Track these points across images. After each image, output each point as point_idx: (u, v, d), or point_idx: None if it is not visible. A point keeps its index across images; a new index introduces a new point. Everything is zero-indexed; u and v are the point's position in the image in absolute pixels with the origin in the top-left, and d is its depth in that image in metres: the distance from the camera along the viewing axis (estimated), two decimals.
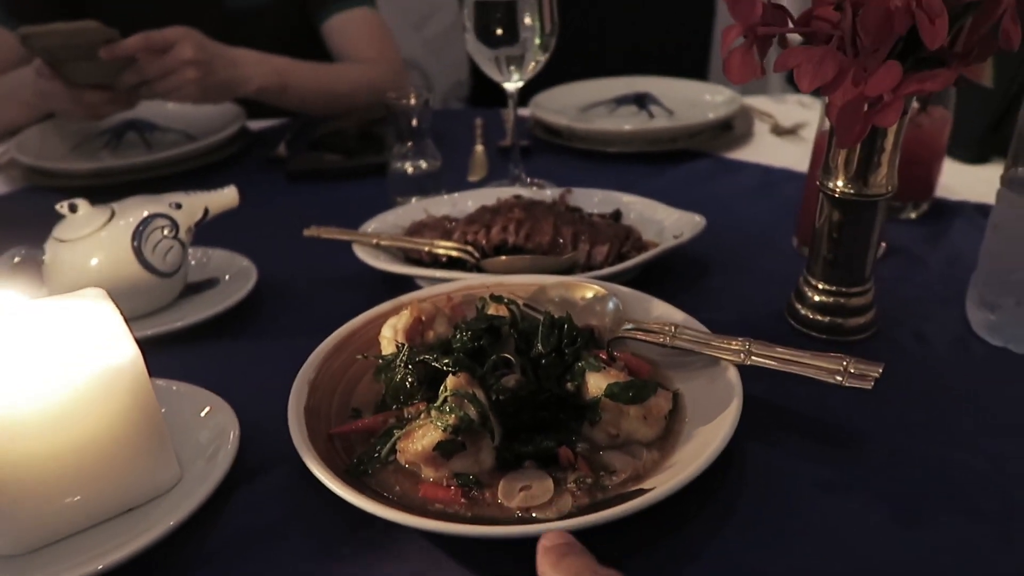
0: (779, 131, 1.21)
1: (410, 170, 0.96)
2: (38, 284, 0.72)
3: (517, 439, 0.49)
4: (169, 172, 1.12)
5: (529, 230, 0.76)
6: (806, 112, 1.29)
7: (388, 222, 0.84)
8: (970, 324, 0.66)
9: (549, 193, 0.88)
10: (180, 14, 1.16)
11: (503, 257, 0.74)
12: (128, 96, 1.13)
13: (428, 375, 0.53)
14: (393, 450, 0.49)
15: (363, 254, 0.76)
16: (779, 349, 0.53)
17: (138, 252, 0.69)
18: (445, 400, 0.48)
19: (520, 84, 0.93)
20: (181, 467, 0.51)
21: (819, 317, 0.65)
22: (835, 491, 0.50)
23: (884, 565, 0.45)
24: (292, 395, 0.53)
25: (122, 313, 0.48)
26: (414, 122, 0.95)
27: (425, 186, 0.97)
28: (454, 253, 0.75)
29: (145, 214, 0.70)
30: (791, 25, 0.55)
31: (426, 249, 0.76)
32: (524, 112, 1.26)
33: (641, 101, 1.29)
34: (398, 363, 0.54)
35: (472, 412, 0.47)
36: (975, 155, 1.02)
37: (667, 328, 0.57)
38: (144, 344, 0.48)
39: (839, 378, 0.50)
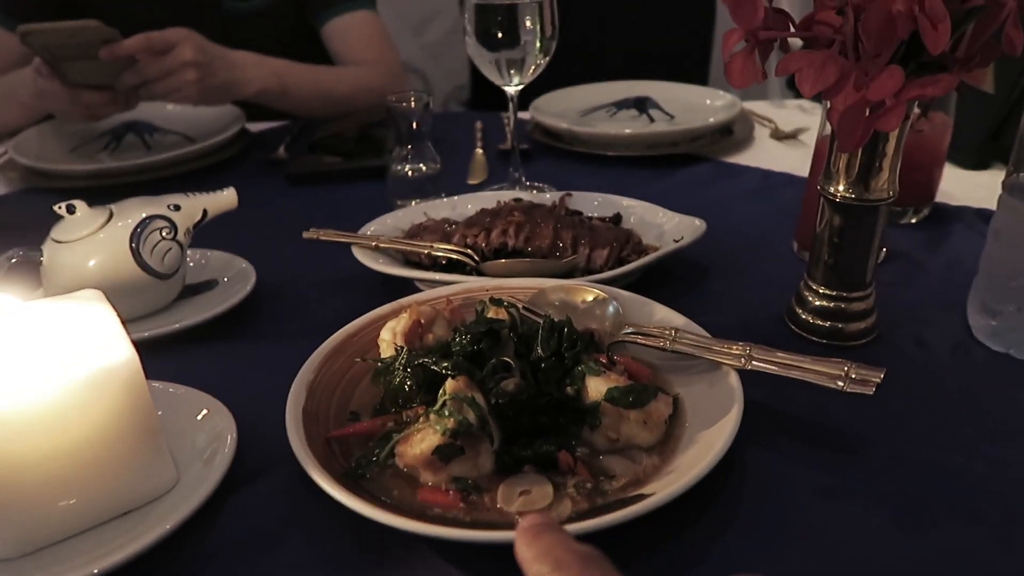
0: (779, 135, 1.21)
1: (410, 173, 0.96)
2: (35, 285, 0.71)
3: (516, 443, 0.49)
4: (168, 174, 1.11)
5: (529, 233, 0.76)
6: (806, 117, 1.29)
7: (387, 225, 0.84)
8: (971, 329, 0.66)
9: (549, 196, 0.87)
10: (179, 16, 1.16)
11: (503, 260, 0.74)
12: (127, 97, 1.13)
13: (427, 378, 0.53)
14: (392, 454, 0.49)
15: (362, 256, 0.76)
16: (780, 354, 0.53)
17: (136, 254, 0.69)
18: (444, 404, 0.47)
19: (520, 87, 0.93)
20: (178, 470, 0.50)
21: (819, 322, 0.65)
22: (836, 496, 0.49)
23: (885, 570, 0.44)
24: (290, 398, 0.53)
25: (119, 314, 0.48)
26: (414, 125, 0.95)
27: (425, 189, 0.97)
28: (454, 256, 0.75)
29: (143, 216, 0.70)
30: (792, 29, 0.55)
31: (425, 252, 0.76)
32: (524, 115, 1.26)
33: (641, 105, 1.29)
34: (397, 366, 0.54)
35: (471, 416, 0.47)
36: (976, 161, 1.02)
37: (667, 332, 0.57)
38: (141, 346, 0.47)
39: (840, 383, 0.50)
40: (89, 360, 0.44)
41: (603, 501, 0.46)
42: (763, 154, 1.15)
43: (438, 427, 0.46)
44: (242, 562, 0.46)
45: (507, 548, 0.44)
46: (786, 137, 1.20)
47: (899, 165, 0.59)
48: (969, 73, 0.52)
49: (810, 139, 1.19)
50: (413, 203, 0.95)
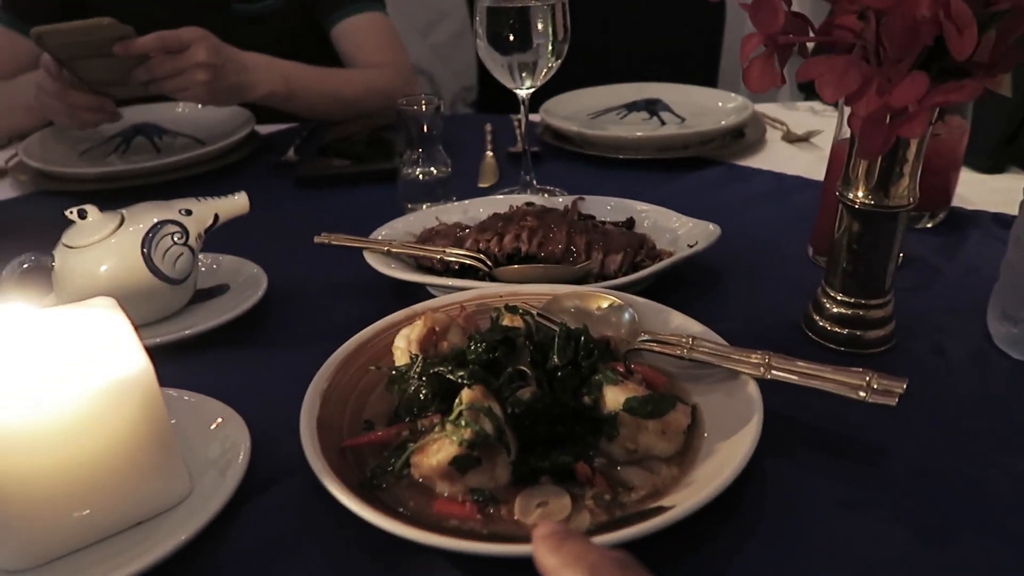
0: (791, 138, 1.20)
1: (420, 176, 0.96)
2: (47, 291, 0.71)
3: (533, 454, 0.48)
4: (178, 177, 1.11)
5: (542, 238, 0.75)
6: (818, 119, 1.28)
7: (399, 229, 0.83)
8: (991, 337, 0.65)
9: (561, 201, 0.87)
10: (187, 16, 1.16)
11: (516, 266, 0.74)
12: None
13: (442, 387, 0.52)
14: (407, 464, 0.48)
15: (374, 261, 0.75)
16: (800, 363, 0.52)
17: (148, 259, 0.69)
18: (460, 414, 0.47)
19: (532, 90, 0.93)
20: (191, 480, 0.50)
21: (837, 329, 0.64)
22: (857, 508, 0.49)
23: None
24: (304, 407, 0.52)
25: (132, 322, 0.48)
26: (425, 128, 0.94)
27: (435, 192, 0.96)
28: (466, 261, 0.74)
29: (155, 220, 0.70)
30: (812, 34, 0.54)
31: (438, 257, 0.75)
32: (534, 118, 1.26)
33: (652, 107, 1.28)
34: (412, 375, 0.53)
35: (488, 426, 0.46)
36: (992, 164, 1.01)
37: (684, 340, 0.56)
38: (153, 352, 0.47)
39: (862, 394, 0.49)
40: (104, 370, 0.44)
41: (622, 513, 0.46)
42: (775, 157, 1.14)
43: (454, 437, 0.46)
44: (256, 573, 0.46)
45: (526, 562, 0.44)
46: (798, 140, 1.19)
47: (920, 171, 0.58)
48: (993, 78, 0.51)
49: (822, 142, 1.18)
50: (424, 207, 0.94)
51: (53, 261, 0.68)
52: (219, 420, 0.54)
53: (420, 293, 0.74)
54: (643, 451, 0.49)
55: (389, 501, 0.47)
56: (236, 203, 0.76)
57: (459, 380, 0.50)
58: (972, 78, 0.49)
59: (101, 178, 1.11)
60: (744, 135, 1.19)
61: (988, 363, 0.63)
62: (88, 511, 0.45)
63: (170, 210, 0.71)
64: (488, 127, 1.26)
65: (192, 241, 0.72)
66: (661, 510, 0.43)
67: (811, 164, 1.09)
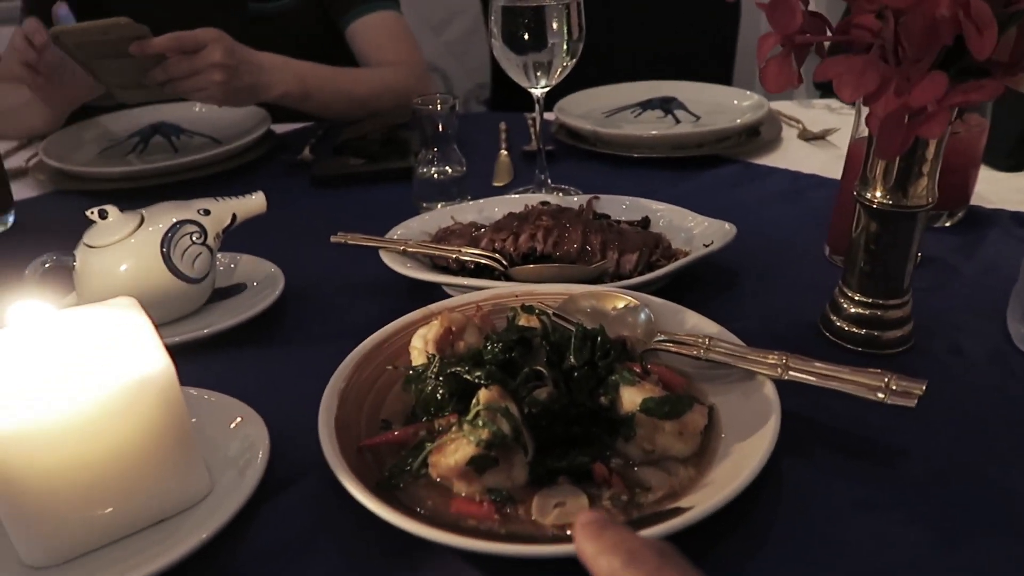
0: (807, 136, 1.19)
1: (435, 176, 0.96)
2: (68, 289, 0.72)
3: (550, 454, 0.49)
4: (196, 176, 1.12)
5: (557, 238, 0.75)
6: (834, 117, 1.27)
7: (414, 228, 0.84)
8: (1011, 338, 0.65)
9: (576, 200, 0.87)
10: (203, 15, 1.17)
11: (531, 265, 0.74)
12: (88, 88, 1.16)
13: (459, 387, 0.52)
14: (425, 464, 0.49)
15: (390, 261, 0.75)
16: (817, 364, 0.52)
17: (167, 258, 0.69)
18: (477, 414, 0.47)
19: (547, 89, 0.93)
20: (211, 478, 0.50)
21: (855, 329, 0.64)
22: (874, 510, 0.49)
23: None
24: (322, 407, 0.53)
25: (153, 322, 0.48)
26: (440, 128, 0.95)
27: (450, 192, 0.97)
28: (482, 260, 0.75)
29: (174, 220, 0.71)
30: (829, 33, 0.54)
31: (453, 256, 0.76)
32: (548, 116, 1.26)
33: (667, 106, 1.28)
34: (429, 375, 0.53)
35: (505, 427, 0.46)
36: (1010, 163, 1.00)
37: (701, 340, 0.56)
38: (172, 350, 0.47)
39: (881, 395, 0.49)
40: (126, 369, 0.44)
41: (639, 514, 0.46)
42: (791, 155, 1.13)
43: (472, 438, 0.46)
44: (275, 572, 0.46)
45: (544, 562, 0.44)
46: (814, 138, 1.18)
47: (939, 171, 0.58)
48: (1012, 77, 0.51)
49: (839, 140, 1.17)
50: (439, 206, 0.95)
51: (74, 260, 0.69)
52: (238, 419, 0.54)
53: (436, 292, 0.75)
54: (660, 452, 0.49)
55: (407, 500, 0.47)
56: (254, 203, 0.76)
57: (476, 380, 0.51)
58: (992, 77, 0.48)
59: (120, 177, 1.12)
60: (760, 133, 1.18)
61: (1007, 364, 0.63)
62: (111, 509, 0.46)
63: (189, 210, 0.72)
64: (502, 126, 1.26)
65: (210, 241, 0.73)
66: (679, 511, 0.43)
67: (827, 162, 1.08)
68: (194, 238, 0.71)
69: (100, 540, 0.46)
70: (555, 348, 0.54)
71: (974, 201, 0.89)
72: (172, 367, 0.46)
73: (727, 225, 0.77)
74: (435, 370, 0.53)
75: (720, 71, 1.86)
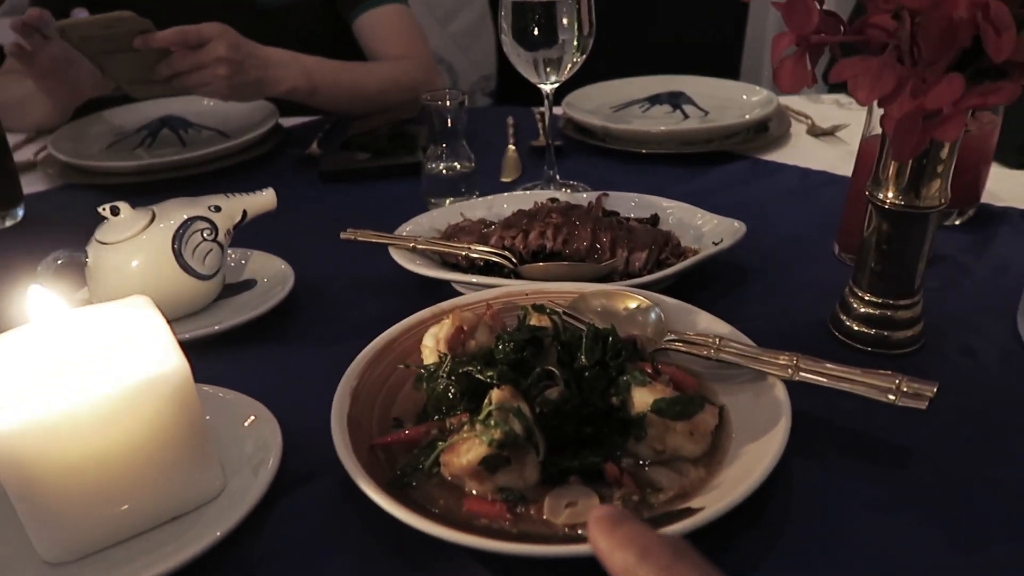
0: (816, 132, 1.19)
1: (444, 172, 0.96)
2: (80, 285, 0.72)
3: (562, 454, 0.49)
4: (204, 171, 1.12)
5: (567, 235, 0.75)
6: (844, 112, 1.27)
7: (423, 225, 0.84)
8: (1021, 337, 0.65)
9: (585, 196, 0.87)
10: (211, 9, 1.17)
11: (541, 263, 0.74)
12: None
13: (471, 386, 0.52)
14: (437, 463, 0.49)
15: (400, 258, 0.76)
16: (828, 365, 0.52)
17: (178, 255, 0.70)
18: (490, 414, 0.47)
19: (556, 85, 0.93)
20: (224, 476, 0.51)
21: (865, 329, 0.64)
22: (886, 511, 0.49)
23: None
24: (335, 405, 0.53)
25: (168, 321, 0.49)
26: (449, 123, 0.94)
27: (459, 187, 0.97)
28: (491, 258, 0.75)
29: (185, 217, 0.71)
30: (844, 33, 0.53)
31: (463, 253, 0.76)
32: (556, 110, 1.25)
33: (675, 100, 1.27)
34: (441, 373, 0.54)
35: (517, 427, 0.46)
36: (1021, 160, 0.99)
37: (711, 340, 0.56)
38: (184, 346, 0.47)
39: (892, 397, 0.49)
40: (142, 367, 0.45)
41: (650, 514, 0.46)
42: (800, 151, 1.13)
43: (484, 438, 0.46)
44: (288, 569, 0.47)
45: (556, 562, 0.45)
46: (824, 134, 1.18)
47: (952, 171, 0.58)
48: None
49: (848, 135, 1.17)
50: (447, 202, 0.95)
51: (86, 257, 0.69)
52: (252, 418, 0.55)
53: (445, 289, 0.75)
54: (671, 452, 0.50)
55: (419, 499, 0.48)
56: (264, 199, 0.76)
57: (488, 380, 0.51)
58: (1009, 79, 0.48)
59: (129, 171, 1.12)
60: (768, 129, 1.18)
61: (1018, 363, 0.63)
62: (126, 505, 0.46)
63: (199, 207, 0.72)
64: (510, 120, 1.26)
65: (221, 237, 0.73)
66: (690, 512, 0.44)
67: (837, 159, 1.08)
68: (205, 234, 0.71)
69: (116, 536, 0.47)
70: (566, 348, 0.55)
71: (985, 199, 0.89)
72: (187, 366, 0.46)
73: (736, 223, 0.77)
74: (447, 369, 0.53)
75: (727, 64, 1.85)
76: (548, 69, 0.89)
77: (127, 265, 0.69)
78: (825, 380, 0.52)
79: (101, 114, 1.32)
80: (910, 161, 0.57)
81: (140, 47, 1.03)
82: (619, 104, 1.28)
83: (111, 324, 0.48)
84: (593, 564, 0.43)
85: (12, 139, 1.28)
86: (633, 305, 0.62)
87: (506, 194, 0.90)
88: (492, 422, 0.47)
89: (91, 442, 0.44)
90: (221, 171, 1.14)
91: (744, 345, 0.56)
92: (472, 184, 0.97)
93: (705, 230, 0.80)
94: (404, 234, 0.80)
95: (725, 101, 1.25)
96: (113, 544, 0.47)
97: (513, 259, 0.75)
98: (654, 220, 0.83)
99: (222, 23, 1.09)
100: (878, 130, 0.60)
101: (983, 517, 0.48)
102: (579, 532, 0.45)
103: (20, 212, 1.01)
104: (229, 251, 0.76)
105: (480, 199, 0.89)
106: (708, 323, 0.61)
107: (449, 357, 0.54)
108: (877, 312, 0.63)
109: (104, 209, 0.69)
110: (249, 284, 0.78)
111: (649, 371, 0.53)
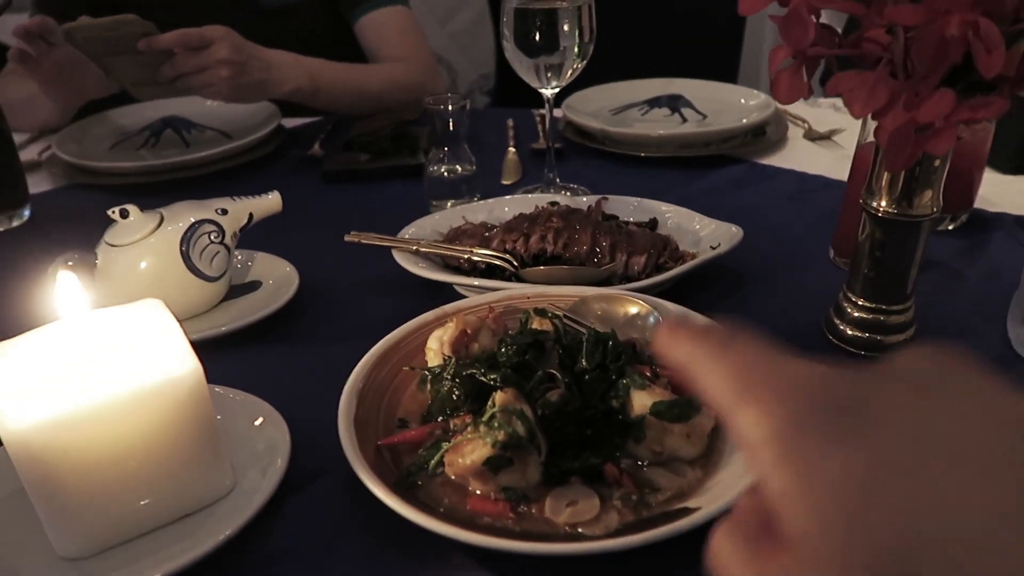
0: (813, 136, 1.20)
1: (446, 174, 0.97)
2: (90, 286, 0.74)
3: (563, 455, 0.50)
4: (208, 172, 1.14)
5: (567, 239, 0.77)
6: (840, 117, 1.28)
7: (426, 227, 0.85)
8: (1011, 343, 0.66)
9: (585, 200, 0.88)
10: (214, 11, 1.18)
11: (542, 267, 0.75)
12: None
13: (474, 388, 0.54)
14: (441, 463, 0.50)
15: (403, 261, 0.77)
16: None
17: (186, 257, 0.71)
18: (493, 416, 0.49)
19: (557, 90, 0.94)
20: (234, 475, 0.52)
21: (858, 333, 0.66)
22: None
23: None
24: (342, 406, 0.54)
25: (181, 324, 0.50)
26: (451, 126, 0.96)
27: (460, 190, 0.98)
28: (493, 261, 0.76)
29: (192, 220, 0.72)
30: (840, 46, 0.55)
31: (465, 257, 0.77)
32: (556, 113, 1.27)
33: (674, 104, 1.29)
34: (445, 376, 0.55)
35: (520, 428, 0.48)
36: (1014, 165, 1.01)
37: None
38: (193, 347, 0.49)
39: None
40: (157, 368, 0.46)
41: (648, 513, 0.47)
42: (796, 155, 1.14)
43: (488, 439, 0.48)
44: (297, 568, 0.48)
45: (558, 560, 0.46)
46: (820, 138, 1.19)
47: (943, 181, 0.59)
48: (1020, 91, 0.52)
49: (844, 140, 1.18)
50: (449, 204, 0.96)
51: (96, 258, 0.71)
52: (261, 418, 0.56)
53: (448, 291, 0.76)
54: (668, 453, 0.51)
55: (425, 498, 0.49)
56: (270, 202, 0.78)
57: (491, 382, 0.52)
58: (999, 94, 0.50)
59: (133, 172, 1.13)
60: (766, 133, 1.19)
61: (1009, 369, 0.64)
62: (141, 502, 0.48)
63: (207, 210, 0.74)
64: (510, 123, 1.28)
65: (228, 239, 0.74)
66: (687, 511, 0.45)
67: (833, 163, 1.09)
68: (212, 237, 0.73)
69: (130, 533, 0.48)
70: (567, 351, 0.56)
71: (977, 204, 0.91)
72: (201, 369, 0.48)
73: (734, 228, 0.79)
74: (451, 371, 0.55)
75: (726, 67, 1.87)
76: (549, 74, 0.91)
77: (136, 267, 0.70)
78: None
79: (104, 115, 1.33)
80: (903, 171, 0.58)
81: (144, 49, 1.04)
82: (618, 107, 1.30)
83: (127, 326, 0.49)
84: (593, 562, 0.45)
85: (16, 138, 1.29)
86: (633, 310, 0.63)
87: (507, 197, 0.92)
88: (496, 424, 0.48)
89: (108, 440, 0.45)
90: (224, 172, 1.15)
91: None
92: (473, 186, 0.99)
93: (703, 234, 0.81)
94: (407, 237, 0.82)
95: (723, 105, 1.27)
96: (127, 540, 0.48)
97: (514, 262, 0.76)
98: (653, 224, 0.85)
99: (225, 25, 1.10)
100: (872, 137, 0.62)
101: None
102: (579, 531, 0.46)
103: (27, 212, 1.03)
104: (235, 253, 0.77)
105: (481, 202, 0.91)
106: None
107: (453, 360, 0.56)
108: (870, 317, 0.65)
109: (114, 212, 0.70)
110: (255, 285, 0.79)
111: (648, 374, 0.54)
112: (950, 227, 0.89)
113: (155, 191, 1.09)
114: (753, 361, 0.26)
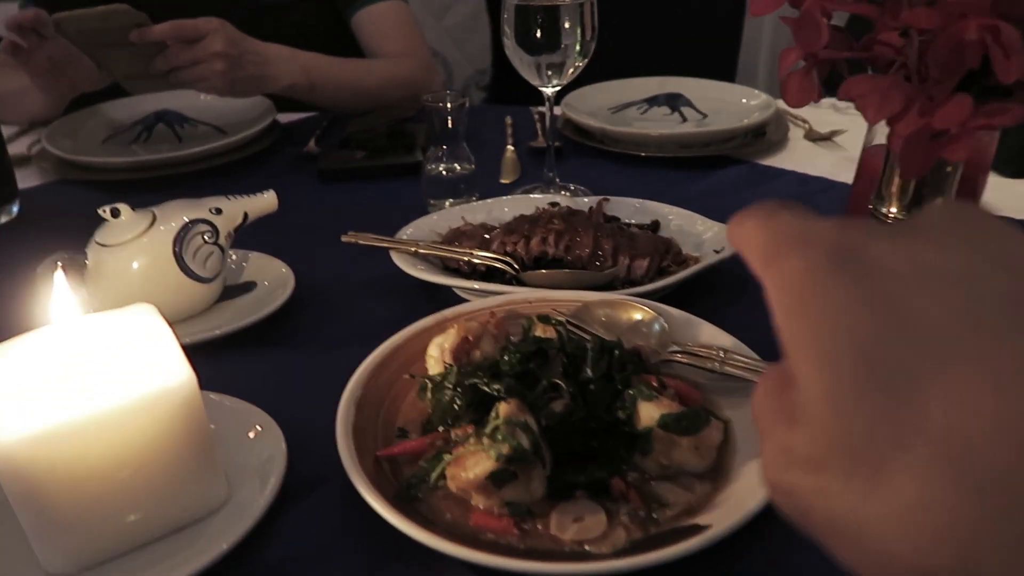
0: (814, 137, 1.19)
1: (444, 173, 0.96)
2: (80, 288, 0.72)
3: (568, 468, 0.49)
4: (201, 168, 1.12)
5: (569, 242, 0.75)
6: (841, 117, 1.27)
7: (424, 228, 0.83)
8: None
9: (587, 201, 0.87)
10: (210, 5, 1.16)
11: (543, 271, 0.74)
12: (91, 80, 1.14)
13: (476, 397, 0.53)
14: (443, 475, 0.49)
15: (401, 262, 0.75)
16: None
17: (179, 258, 0.69)
18: (497, 428, 0.47)
19: (558, 88, 0.92)
20: (229, 486, 0.51)
21: None
22: None
23: None
24: (340, 414, 0.53)
25: (174, 330, 0.48)
26: (449, 125, 0.94)
27: (458, 189, 0.96)
28: (493, 264, 0.75)
29: (186, 220, 0.70)
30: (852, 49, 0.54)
31: (465, 259, 0.76)
32: (555, 111, 1.25)
33: (673, 103, 1.27)
34: (447, 384, 0.54)
35: (525, 441, 0.47)
36: (1016, 169, 1.00)
37: (716, 353, 0.57)
38: (186, 350, 0.47)
39: None
40: (149, 379, 0.44)
41: (657, 530, 0.46)
42: (797, 156, 1.13)
43: (492, 452, 0.46)
44: None
45: None
46: (821, 139, 1.18)
47: (956, 187, 0.58)
48: None
49: (845, 140, 1.17)
50: (447, 203, 0.94)
51: (86, 259, 0.69)
52: (257, 427, 0.55)
53: (447, 294, 0.75)
54: (676, 466, 0.50)
55: (426, 512, 0.48)
56: (265, 202, 0.76)
57: (495, 392, 0.51)
58: (1016, 100, 0.48)
59: (124, 168, 1.11)
60: (766, 133, 1.18)
61: None
62: (131, 516, 0.46)
63: (200, 209, 0.72)
64: (508, 120, 1.26)
65: (222, 240, 0.72)
66: (697, 528, 0.44)
67: (835, 164, 1.08)
68: (206, 237, 0.71)
69: (120, 548, 0.47)
70: (571, 359, 0.55)
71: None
72: (195, 379, 0.46)
73: None
74: (453, 380, 0.54)
75: (724, 65, 1.86)
76: (551, 73, 0.89)
77: (128, 268, 0.68)
78: None
79: (95, 108, 1.30)
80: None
81: (136, 41, 1.02)
82: (617, 105, 1.28)
83: (118, 332, 0.48)
84: None
85: (5, 131, 1.27)
86: (637, 316, 0.62)
87: (507, 198, 0.90)
88: (500, 436, 0.47)
89: (97, 453, 0.44)
90: (218, 168, 1.13)
91: (749, 359, 0.56)
92: (472, 186, 0.97)
93: (706, 237, 0.80)
94: (405, 238, 0.80)
95: (724, 104, 1.25)
96: (117, 556, 0.47)
97: (515, 265, 0.75)
98: (655, 226, 0.83)
99: (219, 18, 1.08)
100: (879, 140, 0.60)
101: None
102: (586, 548, 0.45)
103: (15, 208, 1.00)
104: (230, 253, 0.76)
105: (480, 203, 0.89)
106: (711, 335, 0.61)
107: (455, 368, 0.55)
108: None
109: (104, 211, 0.68)
110: (249, 287, 0.78)
111: (655, 384, 0.53)
112: None
113: (147, 187, 1.07)
114: (787, 223, 0.26)
